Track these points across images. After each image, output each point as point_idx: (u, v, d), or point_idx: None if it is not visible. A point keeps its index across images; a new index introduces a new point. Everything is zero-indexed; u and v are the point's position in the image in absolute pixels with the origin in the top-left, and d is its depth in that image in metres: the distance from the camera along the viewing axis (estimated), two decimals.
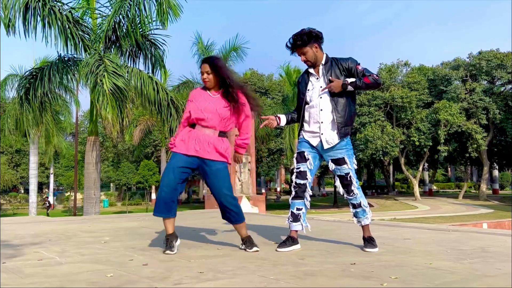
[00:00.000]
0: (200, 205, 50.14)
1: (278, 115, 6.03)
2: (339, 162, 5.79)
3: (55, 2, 15.33)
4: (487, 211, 40.66)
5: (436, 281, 3.96)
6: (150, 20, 16.15)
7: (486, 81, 53.71)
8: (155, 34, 17.05)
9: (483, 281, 3.96)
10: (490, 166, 59.71)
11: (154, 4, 15.65)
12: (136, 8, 15.55)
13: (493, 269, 4.52)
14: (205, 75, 5.71)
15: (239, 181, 24.86)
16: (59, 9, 15.21)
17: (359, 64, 5.88)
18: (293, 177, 5.86)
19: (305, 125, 5.88)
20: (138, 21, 15.91)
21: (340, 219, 10.26)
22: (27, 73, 17.23)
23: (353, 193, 5.79)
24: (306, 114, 5.87)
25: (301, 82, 5.99)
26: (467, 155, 54.37)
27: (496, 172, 69.73)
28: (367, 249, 5.65)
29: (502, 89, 53.09)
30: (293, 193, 5.85)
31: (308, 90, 5.87)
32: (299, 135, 5.94)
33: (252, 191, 24.92)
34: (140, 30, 16.08)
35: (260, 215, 13.19)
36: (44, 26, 15.15)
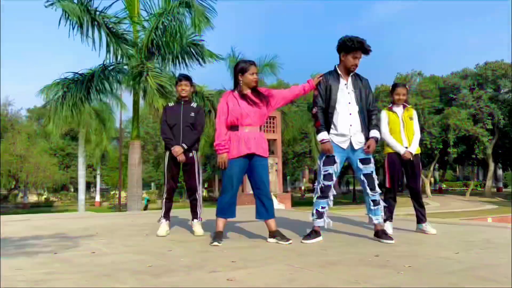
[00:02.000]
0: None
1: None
2: (367, 161, 5.82)
3: (100, 13, 15.35)
4: (492, 207, 40.24)
5: (446, 269, 3.95)
6: (185, 32, 16.06)
7: (491, 89, 53.21)
8: (195, 41, 16.85)
9: (488, 269, 3.94)
10: (495, 166, 59.16)
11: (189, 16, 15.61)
12: (177, 20, 15.50)
13: (497, 258, 4.50)
14: (256, 76, 5.79)
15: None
16: (104, 22, 15.29)
17: (372, 92, 6.00)
18: (321, 178, 5.82)
19: (333, 128, 5.80)
20: (176, 33, 15.81)
21: (358, 214, 10.23)
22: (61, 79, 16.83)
23: (376, 190, 5.81)
24: (335, 117, 5.78)
25: (331, 84, 5.83)
26: (474, 156, 53.92)
27: (500, 172, 69.14)
28: (385, 241, 5.63)
29: (507, 96, 52.58)
30: (319, 193, 5.82)
31: (338, 93, 5.79)
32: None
33: (279, 190, 24.89)
34: (178, 41, 15.96)
35: (286, 211, 13.19)
36: (93, 36, 15.22)
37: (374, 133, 5.83)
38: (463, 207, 40.82)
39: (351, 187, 62.53)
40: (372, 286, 3.36)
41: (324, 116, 5.83)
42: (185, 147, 6.50)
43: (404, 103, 6.76)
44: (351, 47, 5.67)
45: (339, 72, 5.85)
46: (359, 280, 3.54)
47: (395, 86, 6.86)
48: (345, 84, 5.82)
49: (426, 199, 45.08)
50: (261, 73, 33.90)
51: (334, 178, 5.83)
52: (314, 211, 5.89)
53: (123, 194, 41.55)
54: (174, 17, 15.39)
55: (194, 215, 6.74)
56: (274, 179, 24.77)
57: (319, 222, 5.86)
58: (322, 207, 5.85)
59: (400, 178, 6.85)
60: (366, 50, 5.72)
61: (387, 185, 6.77)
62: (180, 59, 16.72)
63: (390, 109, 6.78)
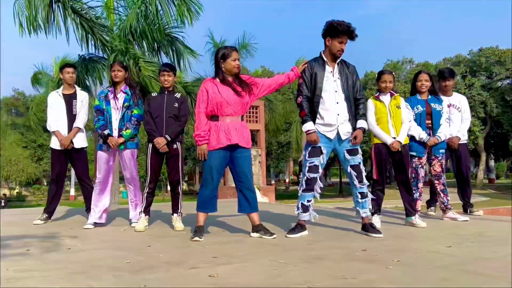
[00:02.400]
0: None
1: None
2: (354, 152, 5.83)
3: (75, 1, 15.25)
4: (483, 199, 40.49)
5: (436, 263, 3.98)
6: (169, 22, 16.06)
7: (484, 77, 53.40)
8: (174, 32, 16.85)
9: (480, 263, 3.98)
10: (487, 156, 59.51)
11: (174, 4, 15.57)
12: (156, 7, 15.47)
13: (489, 252, 4.54)
14: (238, 62, 5.78)
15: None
16: (79, 8, 15.16)
17: (359, 79, 6.00)
18: (306, 170, 5.80)
19: (319, 118, 5.78)
20: (160, 20, 15.78)
21: (344, 207, 10.27)
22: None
23: (364, 182, 5.83)
24: (321, 106, 5.76)
25: (316, 71, 5.79)
26: None
27: (492, 163, 69.54)
28: (373, 235, 5.68)
29: (499, 84, 52.77)
30: (304, 185, 5.81)
31: (324, 81, 5.76)
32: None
33: (262, 182, 24.85)
34: (155, 28, 15.95)
35: (270, 204, 13.23)
36: (65, 24, 15.09)
37: (361, 123, 5.82)
38: (452, 199, 41.05)
39: (337, 179, 62.63)
40: (360, 281, 3.38)
41: (309, 105, 5.80)
42: (168, 138, 6.50)
43: (391, 91, 6.79)
44: (338, 30, 5.63)
45: (325, 58, 5.82)
46: (346, 275, 3.56)
47: (381, 73, 6.88)
48: (331, 72, 5.79)
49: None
50: (241, 57, 33.84)
51: (320, 170, 5.81)
52: (300, 205, 5.89)
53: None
54: (155, 3, 15.35)
55: (175, 209, 6.75)
56: (257, 171, 24.75)
57: (305, 216, 5.87)
58: (308, 201, 5.85)
59: (388, 169, 6.90)
60: (352, 35, 5.69)
61: (375, 176, 6.81)
62: (156, 50, 16.77)
63: (377, 98, 6.80)
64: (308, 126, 5.73)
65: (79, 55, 16.61)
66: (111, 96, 6.95)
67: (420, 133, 7.01)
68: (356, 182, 5.84)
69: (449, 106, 7.74)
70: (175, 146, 6.62)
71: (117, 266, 4.04)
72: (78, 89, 7.63)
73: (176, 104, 6.62)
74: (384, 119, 6.69)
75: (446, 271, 3.65)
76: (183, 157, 6.80)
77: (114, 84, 7.02)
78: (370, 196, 5.98)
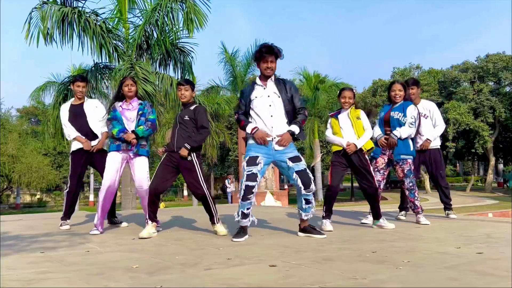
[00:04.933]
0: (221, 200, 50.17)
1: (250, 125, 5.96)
2: (297, 159, 5.83)
3: (90, 14, 15.43)
4: (492, 202, 40.23)
5: (445, 264, 3.97)
6: (178, 29, 16.20)
7: (492, 82, 53.15)
8: (184, 43, 16.95)
9: (488, 264, 3.96)
10: (496, 161, 59.18)
11: (181, 13, 15.67)
12: (165, 18, 15.62)
13: (497, 253, 4.52)
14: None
15: (264, 178, 24.84)
16: (94, 21, 15.31)
17: (298, 93, 6.06)
18: (244, 179, 5.77)
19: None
20: (167, 30, 15.99)
21: (356, 211, 10.25)
22: (65, 79, 17.40)
23: (310, 189, 5.80)
24: (257, 120, 5.89)
25: (246, 91, 6.05)
26: (473, 150, 53.87)
27: (501, 166, 69.17)
28: (317, 236, 5.83)
29: (508, 89, 52.53)
30: (242, 193, 5.77)
31: (256, 97, 5.91)
32: (248, 139, 5.94)
33: (275, 187, 24.88)
34: (169, 39, 16.11)
35: (283, 208, 13.22)
36: (79, 36, 15.27)
37: (291, 127, 5.84)
38: (463, 202, 40.87)
39: (348, 184, 62.41)
40: (370, 281, 3.38)
41: (246, 118, 6.03)
42: (188, 147, 6.27)
43: (353, 105, 6.90)
44: (258, 56, 5.92)
45: (257, 81, 6.04)
46: (357, 275, 3.55)
47: (341, 90, 7.02)
48: (264, 88, 5.93)
49: (425, 195, 45.24)
50: (252, 65, 33.87)
51: (258, 179, 5.78)
52: (240, 213, 5.85)
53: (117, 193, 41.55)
54: (167, 13, 15.46)
55: (212, 219, 6.56)
56: (271, 176, 24.79)
57: (245, 222, 5.87)
58: (247, 209, 5.83)
59: (342, 175, 6.93)
60: (273, 52, 5.88)
61: (329, 182, 6.87)
62: (166, 62, 16.91)
63: (333, 116, 6.99)
64: (250, 126, 5.85)
65: (94, 62, 16.75)
66: (124, 108, 6.92)
67: (374, 133, 7.18)
68: (302, 188, 5.78)
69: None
70: (189, 158, 6.34)
71: (133, 267, 4.05)
72: (87, 99, 7.63)
73: (187, 117, 6.45)
74: (348, 130, 6.78)
75: (455, 272, 3.63)
76: (200, 169, 6.47)
77: (123, 98, 6.99)
78: (314, 202, 5.98)
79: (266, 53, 5.84)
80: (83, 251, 5.12)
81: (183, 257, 4.56)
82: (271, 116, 5.82)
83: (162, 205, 38.77)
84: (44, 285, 3.44)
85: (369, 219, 7.14)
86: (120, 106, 6.95)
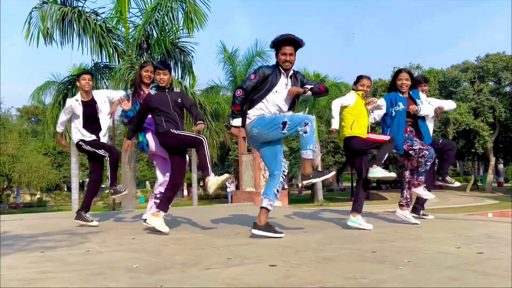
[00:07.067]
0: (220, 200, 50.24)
1: None
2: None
3: (90, 13, 15.44)
4: (492, 202, 40.29)
5: (446, 263, 3.96)
6: (178, 29, 16.20)
7: (492, 82, 53.23)
8: (184, 42, 16.99)
9: (488, 264, 3.96)
10: (496, 160, 59.18)
11: (181, 12, 15.68)
12: (165, 17, 15.62)
13: (497, 252, 4.52)
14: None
15: (264, 177, 24.82)
16: (94, 20, 15.31)
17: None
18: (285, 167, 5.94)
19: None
20: (167, 30, 15.99)
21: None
22: (65, 79, 17.39)
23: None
24: (265, 112, 5.81)
25: (268, 76, 5.78)
26: (473, 150, 53.87)
27: (501, 166, 69.20)
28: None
29: (508, 89, 52.59)
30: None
31: (276, 92, 5.80)
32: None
33: None
34: (170, 38, 16.11)
35: (283, 208, 13.21)
36: (79, 36, 15.27)
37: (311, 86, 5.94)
38: (463, 202, 40.87)
39: (348, 184, 62.43)
40: (371, 281, 3.38)
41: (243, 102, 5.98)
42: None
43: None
44: (275, 46, 5.80)
45: (282, 72, 5.92)
46: (357, 275, 3.55)
47: (360, 77, 6.92)
48: (286, 86, 5.87)
49: None
50: (255, 65, 33.85)
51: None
52: (276, 190, 5.86)
53: None
54: (167, 12, 15.45)
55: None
56: None
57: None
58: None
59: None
60: (294, 43, 5.77)
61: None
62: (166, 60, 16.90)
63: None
64: (239, 121, 5.85)
65: (93, 61, 16.74)
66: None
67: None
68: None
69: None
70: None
71: (133, 267, 4.05)
72: (93, 92, 7.57)
73: (179, 99, 6.49)
74: (364, 118, 6.75)
75: (456, 271, 3.63)
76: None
77: (140, 85, 6.98)
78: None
79: (285, 43, 5.71)
80: (83, 250, 5.12)
81: (183, 257, 4.56)
82: (281, 112, 5.81)
83: None
84: (44, 285, 3.44)
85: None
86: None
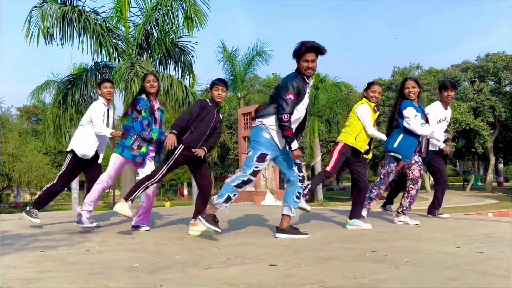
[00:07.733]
0: None
1: None
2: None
3: (90, 12, 15.41)
4: (492, 202, 40.24)
5: (445, 263, 3.96)
6: (178, 28, 16.18)
7: (493, 82, 53.14)
8: (184, 41, 16.94)
9: (488, 264, 3.95)
10: (496, 160, 59.12)
11: (181, 12, 15.65)
12: (165, 17, 15.59)
13: (497, 252, 4.52)
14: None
15: (264, 177, 24.77)
16: (94, 19, 15.28)
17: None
18: (249, 171, 5.70)
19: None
20: (167, 29, 15.96)
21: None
22: (65, 78, 17.37)
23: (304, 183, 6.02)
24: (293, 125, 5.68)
25: (300, 88, 5.63)
26: (473, 150, 53.82)
27: (501, 166, 69.14)
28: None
29: (508, 89, 52.52)
30: (241, 183, 5.72)
31: (303, 104, 5.72)
32: (264, 133, 5.71)
33: (275, 187, 24.81)
34: (170, 38, 16.08)
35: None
36: (79, 35, 15.23)
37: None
38: (462, 202, 40.84)
39: (348, 183, 62.35)
40: (370, 281, 3.38)
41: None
42: (206, 151, 6.40)
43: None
44: (299, 54, 5.61)
45: (307, 80, 5.78)
46: (357, 275, 3.55)
47: (371, 84, 7.01)
48: (307, 94, 5.79)
49: (425, 194, 45.15)
50: (255, 65, 33.85)
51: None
52: (226, 196, 5.70)
53: (117, 192, 41.51)
54: (167, 11, 15.44)
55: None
56: (271, 175, 24.72)
57: (224, 207, 5.76)
58: (234, 195, 5.75)
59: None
60: (317, 50, 5.61)
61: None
62: (166, 61, 16.88)
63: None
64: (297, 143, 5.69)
65: (93, 61, 16.69)
66: (152, 108, 6.78)
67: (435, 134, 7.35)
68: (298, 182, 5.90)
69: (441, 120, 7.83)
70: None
71: (133, 267, 4.05)
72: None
73: (218, 124, 6.50)
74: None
75: (455, 271, 3.63)
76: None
77: (147, 94, 6.78)
78: (303, 198, 6.11)
79: (308, 50, 5.56)
80: (83, 250, 5.12)
81: (183, 257, 4.56)
82: (299, 122, 5.80)
83: (167, 204, 38.80)
84: (44, 284, 3.44)
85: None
86: (149, 103, 6.76)
